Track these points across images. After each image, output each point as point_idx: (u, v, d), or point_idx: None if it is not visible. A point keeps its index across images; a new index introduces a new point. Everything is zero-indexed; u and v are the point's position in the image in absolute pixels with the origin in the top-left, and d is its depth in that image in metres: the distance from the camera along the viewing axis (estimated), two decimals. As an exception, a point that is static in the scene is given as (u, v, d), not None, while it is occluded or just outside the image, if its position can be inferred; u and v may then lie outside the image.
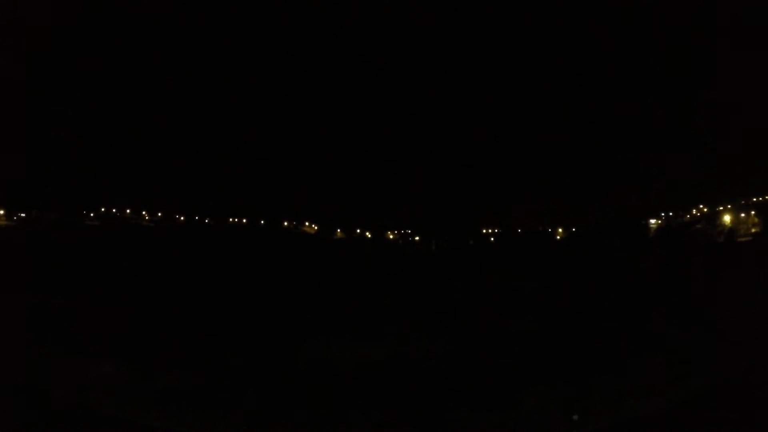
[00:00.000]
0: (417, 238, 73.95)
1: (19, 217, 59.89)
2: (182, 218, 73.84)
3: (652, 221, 65.56)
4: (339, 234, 78.56)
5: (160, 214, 72.58)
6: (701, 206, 64.55)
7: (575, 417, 8.86)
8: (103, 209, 69.03)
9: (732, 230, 57.17)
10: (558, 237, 67.84)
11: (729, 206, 60.51)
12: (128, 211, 71.79)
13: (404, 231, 76.89)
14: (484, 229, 72.63)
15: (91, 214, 67.15)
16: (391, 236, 77.27)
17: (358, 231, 78.00)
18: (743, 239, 52.97)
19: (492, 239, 70.03)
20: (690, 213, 65.97)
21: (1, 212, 58.75)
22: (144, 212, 72.38)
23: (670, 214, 66.74)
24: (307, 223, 79.01)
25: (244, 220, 76.09)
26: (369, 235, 76.77)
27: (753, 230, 56.57)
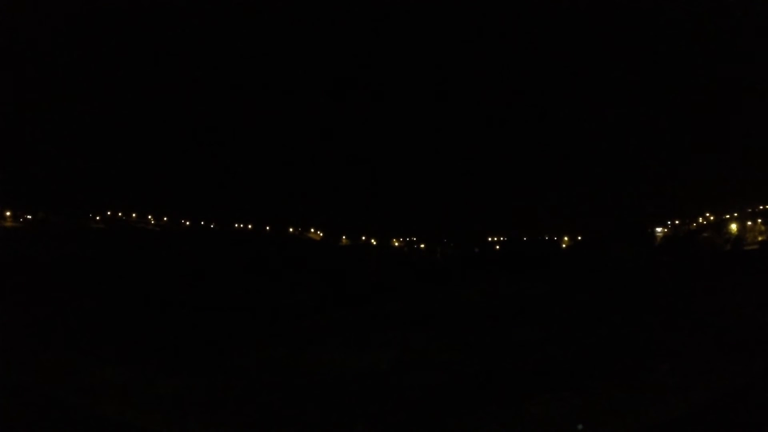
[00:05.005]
0: (422, 245, 73.86)
1: (25, 219, 60.19)
2: (188, 223, 74.07)
3: (659, 229, 65.26)
4: (344, 241, 78.47)
5: (165, 219, 72.84)
6: (708, 214, 64.21)
7: (580, 426, 8.80)
8: (109, 212, 69.33)
9: (738, 238, 56.80)
10: (563, 245, 67.65)
11: (735, 214, 60.15)
12: (134, 214, 72.11)
13: (410, 238, 76.80)
14: (490, 236, 72.56)
15: (97, 217, 67.45)
16: (396, 243, 77.14)
17: (363, 238, 77.87)
18: (750, 248, 52.54)
19: (497, 247, 69.95)
20: (696, 221, 65.60)
21: (8, 214, 59.03)
22: (150, 216, 72.66)
23: (677, 222, 66.41)
24: (312, 230, 79.09)
25: (250, 226, 76.20)
26: (374, 242, 76.66)
27: (760, 239, 56.17)
